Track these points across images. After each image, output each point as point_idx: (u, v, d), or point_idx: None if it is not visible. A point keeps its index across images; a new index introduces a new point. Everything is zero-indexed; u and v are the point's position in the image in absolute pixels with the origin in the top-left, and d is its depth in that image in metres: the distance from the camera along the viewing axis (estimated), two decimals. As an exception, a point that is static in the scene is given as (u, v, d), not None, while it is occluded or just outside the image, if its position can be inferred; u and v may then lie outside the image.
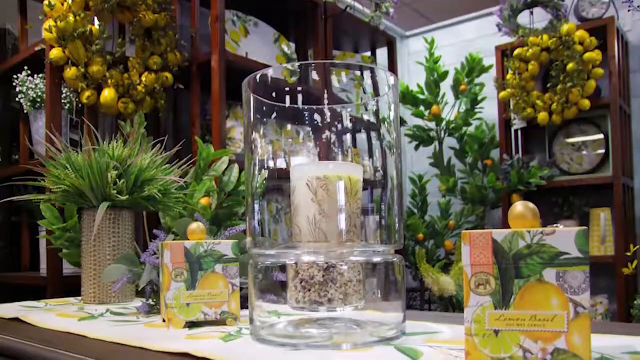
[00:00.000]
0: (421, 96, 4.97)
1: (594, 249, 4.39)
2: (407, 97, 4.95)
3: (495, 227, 5.00)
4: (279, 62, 3.59)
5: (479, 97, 4.90)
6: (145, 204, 1.87)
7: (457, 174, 5.05)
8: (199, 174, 2.11)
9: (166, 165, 1.93)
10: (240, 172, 2.10)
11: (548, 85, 4.42)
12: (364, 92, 3.86)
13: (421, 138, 5.06)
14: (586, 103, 4.21)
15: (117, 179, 1.79)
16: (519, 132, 4.87)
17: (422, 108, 4.99)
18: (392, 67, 4.59)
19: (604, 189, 4.51)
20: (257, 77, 1.24)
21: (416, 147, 5.11)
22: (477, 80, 5.00)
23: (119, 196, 1.78)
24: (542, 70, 4.55)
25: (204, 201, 2.05)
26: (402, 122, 5.19)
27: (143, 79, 2.87)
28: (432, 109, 4.91)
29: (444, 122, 4.95)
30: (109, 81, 2.75)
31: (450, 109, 5.00)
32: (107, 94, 2.72)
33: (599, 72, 4.18)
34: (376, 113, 1.29)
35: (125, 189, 1.80)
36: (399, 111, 1.33)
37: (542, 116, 4.36)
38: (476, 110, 4.96)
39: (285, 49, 3.69)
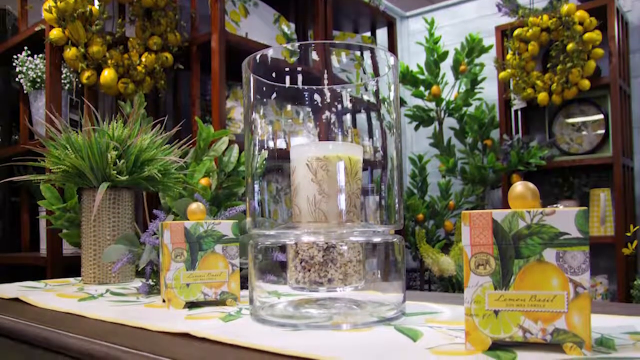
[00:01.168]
0: (421, 76, 4.97)
1: (594, 230, 4.39)
2: (407, 78, 4.94)
3: (495, 208, 5.00)
4: (279, 42, 3.58)
5: (479, 78, 4.89)
6: (145, 184, 1.86)
7: (457, 154, 5.04)
8: (198, 154, 2.11)
9: (166, 145, 1.93)
10: (240, 152, 2.10)
11: (548, 65, 4.41)
12: (364, 73, 3.85)
13: (421, 118, 5.05)
14: (586, 83, 4.20)
15: (117, 160, 1.79)
16: (519, 112, 4.86)
17: (422, 88, 4.98)
18: (392, 47, 4.58)
19: (604, 169, 4.51)
20: (257, 57, 1.24)
21: (416, 128, 5.11)
22: (477, 61, 4.99)
23: (119, 176, 1.78)
24: (542, 51, 4.54)
25: (204, 181, 2.05)
26: (402, 102, 5.18)
27: (143, 59, 2.86)
28: (432, 89, 4.90)
29: (444, 103, 4.94)
30: (109, 61, 2.74)
31: (450, 89, 4.99)
32: (107, 74, 2.72)
33: (599, 52, 4.16)
34: (376, 93, 1.28)
35: (125, 169, 1.80)
36: (398, 91, 1.33)
37: (542, 96, 4.35)
38: (476, 90, 4.96)
39: (285, 29, 3.68)
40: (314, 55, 1.28)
